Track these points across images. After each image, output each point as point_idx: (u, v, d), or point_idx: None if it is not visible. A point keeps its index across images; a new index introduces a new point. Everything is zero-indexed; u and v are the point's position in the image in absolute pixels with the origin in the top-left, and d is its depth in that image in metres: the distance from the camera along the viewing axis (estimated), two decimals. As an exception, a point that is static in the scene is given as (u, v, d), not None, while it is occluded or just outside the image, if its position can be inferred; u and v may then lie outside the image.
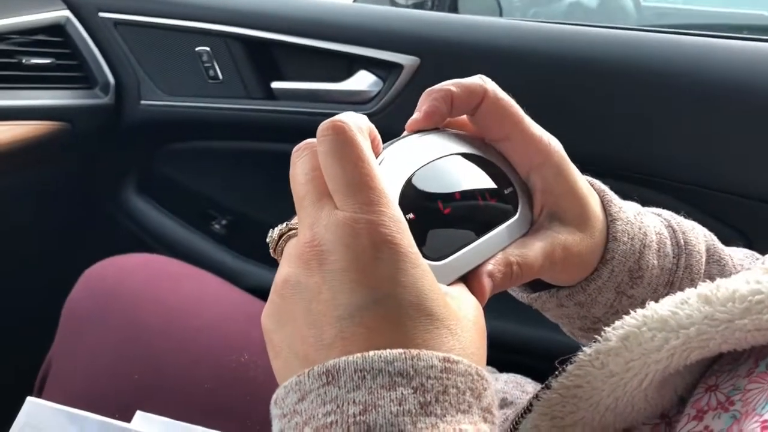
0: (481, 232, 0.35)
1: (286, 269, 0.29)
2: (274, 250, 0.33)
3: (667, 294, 0.40)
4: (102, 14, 1.04)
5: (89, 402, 0.58)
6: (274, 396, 0.28)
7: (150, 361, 0.62)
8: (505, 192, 0.37)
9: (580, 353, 0.35)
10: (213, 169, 1.16)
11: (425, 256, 0.30)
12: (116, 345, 0.64)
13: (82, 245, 1.21)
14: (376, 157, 0.32)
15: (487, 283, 0.33)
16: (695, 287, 0.40)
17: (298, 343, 0.28)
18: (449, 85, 0.36)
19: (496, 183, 0.37)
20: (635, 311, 0.35)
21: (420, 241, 0.30)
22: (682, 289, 0.40)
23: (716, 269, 0.44)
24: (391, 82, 0.91)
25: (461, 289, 0.32)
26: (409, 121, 0.37)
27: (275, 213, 1.12)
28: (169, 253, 0.79)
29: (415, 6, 1.62)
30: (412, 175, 0.33)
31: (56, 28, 1.02)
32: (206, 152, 1.14)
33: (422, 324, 0.27)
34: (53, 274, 0.91)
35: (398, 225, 0.28)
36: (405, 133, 0.37)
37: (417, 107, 0.37)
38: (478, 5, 1.74)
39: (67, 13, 1.03)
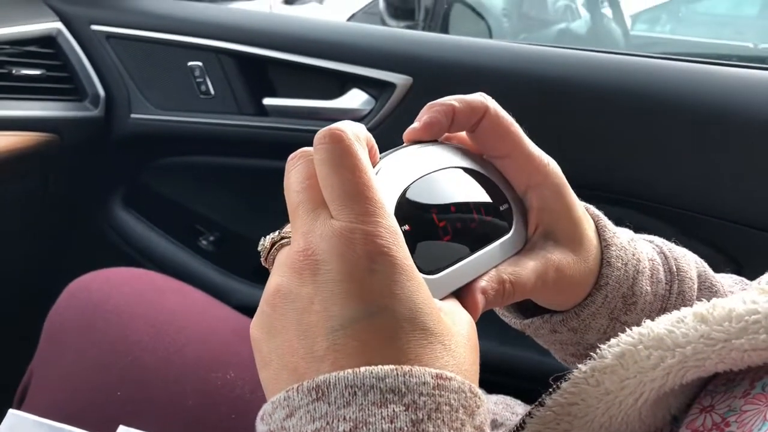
0: (475, 247, 0.34)
1: (277, 278, 0.29)
2: (266, 259, 0.32)
3: None
4: (94, 27, 1.04)
5: (70, 415, 0.57)
6: (261, 411, 0.27)
7: (133, 375, 0.61)
8: (501, 208, 0.37)
9: (575, 370, 0.35)
10: (202, 185, 1.16)
11: (419, 269, 0.29)
12: (99, 358, 0.62)
13: (67, 258, 1.19)
14: (373, 167, 0.32)
15: (480, 300, 0.33)
16: None
17: (287, 354, 0.27)
18: (451, 99, 0.36)
19: (492, 199, 0.37)
20: (631, 329, 0.34)
21: (414, 254, 0.29)
22: None
23: (708, 296, 0.44)
24: (384, 101, 0.91)
25: (454, 304, 0.32)
26: (408, 129, 0.36)
27: (264, 230, 1.12)
28: (155, 269, 0.78)
29: (407, 28, 1.63)
30: (409, 186, 0.32)
31: (48, 40, 1.02)
32: (196, 167, 1.13)
33: (416, 338, 0.27)
34: (37, 286, 0.90)
35: (394, 236, 0.28)
36: (404, 143, 0.37)
37: (417, 118, 0.36)
38: (469, 29, 1.77)
39: (59, 24, 1.03)
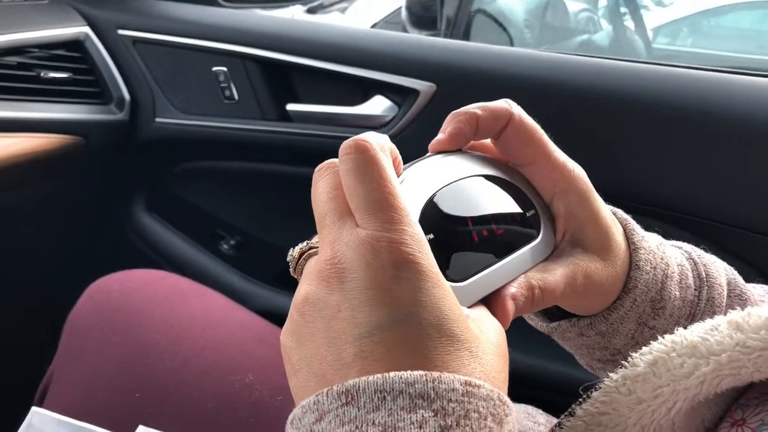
0: (502, 254, 0.34)
1: (306, 287, 0.29)
2: (294, 269, 0.32)
3: (687, 327, 0.40)
4: (121, 31, 1.06)
5: (89, 416, 0.57)
6: (291, 416, 0.27)
7: (152, 377, 0.61)
8: (528, 215, 0.37)
9: (605, 379, 0.34)
10: (224, 189, 1.16)
11: (446, 277, 0.29)
12: (119, 360, 0.63)
13: (89, 260, 1.20)
14: (399, 176, 0.32)
15: (510, 306, 0.33)
16: None
17: (316, 361, 0.28)
18: (475, 108, 0.36)
19: (518, 206, 0.37)
20: (663, 337, 0.34)
21: (441, 262, 0.29)
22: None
23: (738, 303, 0.43)
24: (407, 108, 0.91)
25: (483, 312, 0.32)
26: (433, 141, 0.37)
27: (284, 235, 1.13)
28: (176, 272, 0.79)
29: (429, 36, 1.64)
30: (434, 195, 0.33)
31: (75, 44, 1.03)
32: (218, 172, 1.14)
33: (443, 345, 0.27)
34: (59, 288, 0.91)
35: (420, 244, 0.28)
36: (428, 153, 0.37)
37: (441, 128, 0.37)
38: (491, 40, 1.76)
39: (86, 29, 1.04)
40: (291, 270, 0.33)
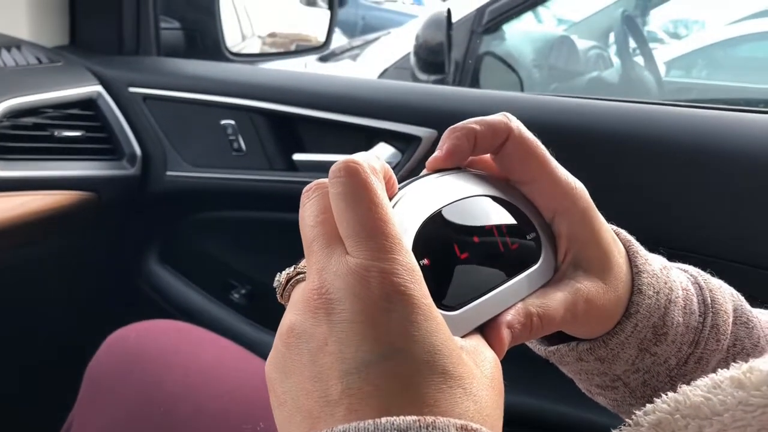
0: (500, 280, 0.33)
1: (292, 316, 0.28)
2: (281, 295, 0.31)
3: (691, 354, 0.39)
4: (132, 89, 1.08)
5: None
6: None
7: (168, 425, 0.61)
8: (528, 237, 0.35)
9: None
10: (235, 239, 1.17)
11: (439, 306, 0.28)
12: (135, 407, 0.63)
13: (105, 313, 1.21)
14: (392, 198, 0.31)
15: (506, 335, 0.31)
16: (720, 348, 0.38)
17: (302, 396, 0.26)
18: (472, 122, 0.35)
19: (519, 228, 0.35)
20: (666, 395, 0.33)
21: (434, 289, 0.28)
22: (707, 350, 0.39)
23: (743, 331, 0.41)
24: (410, 154, 0.91)
25: (478, 342, 0.30)
26: (430, 159, 0.35)
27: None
28: (189, 322, 0.79)
29: (437, 82, 1.65)
30: (429, 218, 0.31)
31: (88, 103, 1.06)
32: (228, 222, 1.15)
33: (435, 383, 0.25)
34: (77, 340, 0.91)
35: (412, 274, 0.27)
36: (424, 171, 0.35)
37: (438, 145, 0.35)
38: (500, 81, 1.78)
39: (99, 88, 1.07)
40: (278, 296, 0.31)
